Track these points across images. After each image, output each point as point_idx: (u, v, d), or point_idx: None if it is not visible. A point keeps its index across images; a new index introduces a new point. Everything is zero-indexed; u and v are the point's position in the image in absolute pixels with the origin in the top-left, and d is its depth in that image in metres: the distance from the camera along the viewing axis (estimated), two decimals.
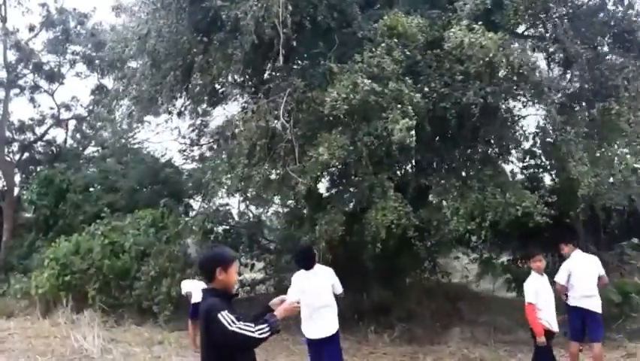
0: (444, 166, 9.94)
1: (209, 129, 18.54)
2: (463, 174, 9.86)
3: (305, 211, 11.03)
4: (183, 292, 11.43)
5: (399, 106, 8.06)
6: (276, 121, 9.27)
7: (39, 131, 22.87)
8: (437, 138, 9.84)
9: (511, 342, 10.55)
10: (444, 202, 9.43)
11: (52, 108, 22.97)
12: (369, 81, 8.23)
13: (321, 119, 9.19)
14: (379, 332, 11.44)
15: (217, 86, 11.40)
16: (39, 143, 23.10)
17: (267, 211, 14.99)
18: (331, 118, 8.97)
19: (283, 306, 3.81)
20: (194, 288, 11.39)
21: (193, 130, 18.76)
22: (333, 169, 8.93)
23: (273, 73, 9.90)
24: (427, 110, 8.72)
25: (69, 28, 21.75)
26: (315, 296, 6.65)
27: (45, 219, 18.83)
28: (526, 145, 10.96)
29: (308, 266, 6.82)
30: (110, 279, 13.96)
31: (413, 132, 8.21)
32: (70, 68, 22.24)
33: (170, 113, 14.05)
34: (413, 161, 10.51)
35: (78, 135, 23.00)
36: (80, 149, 22.56)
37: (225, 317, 3.36)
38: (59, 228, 17.89)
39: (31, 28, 21.67)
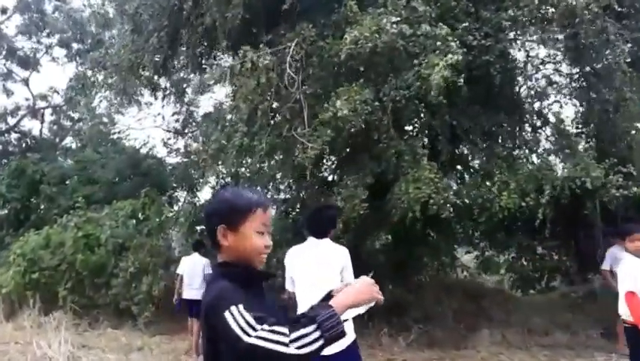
0: (484, 134, 8.11)
1: (195, 119, 17.10)
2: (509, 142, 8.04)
3: (303, 193, 9.15)
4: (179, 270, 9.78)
5: (438, 44, 6.24)
6: (279, 78, 7.41)
7: (12, 121, 20.85)
8: (474, 99, 7.98)
9: (549, 346, 9.06)
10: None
11: (27, 99, 21.03)
12: (398, 19, 6.45)
13: (335, 74, 7.39)
14: (393, 334, 9.77)
15: (206, 48, 9.52)
16: (13, 134, 21.05)
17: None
18: (348, 71, 7.17)
19: (354, 289, 1.99)
20: (188, 268, 9.69)
21: (177, 120, 17.20)
22: (343, 134, 6.99)
23: (279, 21, 8.03)
24: (466, 62, 6.93)
25: (45, 10, 19.84)
26: (322, 282, 4.04)
27: (16, 213, 16.84)
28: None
29: (319, 233, 4.50)
30: (84, 276, 12.06)
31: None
32: (46, 53, 20.29)
33: (152, 89, 12.22)
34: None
35: (55, 126, 20.99)
36: (57, 140, 20.57)
37: (238, 316, 1.79)
38: (31, 223, 15.97)
39: (4, 11, 19.74)
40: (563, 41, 7.70)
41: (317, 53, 7.43)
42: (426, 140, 8.05)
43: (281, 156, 7.52)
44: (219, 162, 8.03)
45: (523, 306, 10.71)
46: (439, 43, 6.41)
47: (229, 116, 8.10)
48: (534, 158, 8.24)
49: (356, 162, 7.43)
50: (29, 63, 20.14)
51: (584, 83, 8.68)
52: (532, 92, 9.12)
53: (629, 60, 7.39)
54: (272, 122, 7.53)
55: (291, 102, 7.36)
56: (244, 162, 8.37)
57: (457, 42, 6.56)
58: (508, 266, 12.58)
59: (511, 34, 7.92)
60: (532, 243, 11.27)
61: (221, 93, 16.52)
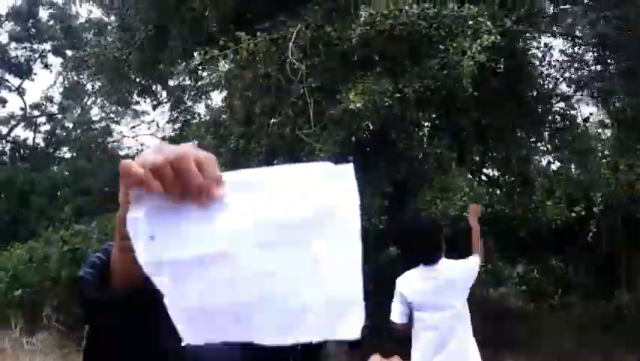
0: (518, 131, 6.82)
1: (191, 127, 16.02)
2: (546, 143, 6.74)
3: None
4: None
5: (470, 23, 4.99)
6: (279, 70, 6.14)
7: (5, 130, 19.59)
8: (504, 93, 6.66)
9: None
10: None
11: (22, 109, 19.78)
12: None
13: (345, 64, 6.10)
14: (407, 357, 8.49)
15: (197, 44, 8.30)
16: (5, 143, 19.78)
17: None
18: (361, 60, 5.89)
19: None
20: None
21: (173, 129, 16.10)
22: (365, 133, 5.68)
23: (278, 6, 6.71)
24: (499, 49, 5.64)
25: (39, 18, 18.67)
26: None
27: (5, 225, 15.63)
28: None
29: (430, 259, 3.87)
30: (71, 294, 10.83)
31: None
32: (40, 61, 19.09)
33: (143, 93, 11.02)
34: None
35: (48, 136, 19.74)
36: (51, 149, 19.33)
37: None
38: (21, 236, 14.77)
39: None
40: (611, 20, 6.45)
41: (323, 40, 6.14)
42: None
43: (282, 159, 6.27)
44: None
45: (544, 326, 9.42)
46: (470, 22, 5.13)
47: (223, 117, 6.86)
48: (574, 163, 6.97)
49: (370, 167, 6.10)
50: (22, 71, 18.95)
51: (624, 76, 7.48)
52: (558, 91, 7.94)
53: None
54: (272, 120, 6.21)
55: (294, 97, 6.08)
56: (241, 166, 7.11)
57: (491, 22, 5.30)
58: (520, 279, 11.59)
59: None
60: (545, 255, 10.23)
61: (217, 99, 15.51)
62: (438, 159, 5.77)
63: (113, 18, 9.88)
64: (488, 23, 5.10)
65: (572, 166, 7.23)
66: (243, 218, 0.73)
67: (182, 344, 0.73)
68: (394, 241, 6.14)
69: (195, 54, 8.34)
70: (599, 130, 8.81)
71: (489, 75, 5.58)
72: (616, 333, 9.03)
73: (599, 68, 8.11)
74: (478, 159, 6.57)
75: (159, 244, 0.72)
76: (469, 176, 5.71)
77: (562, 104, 7.90)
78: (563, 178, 6.08)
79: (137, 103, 15.14)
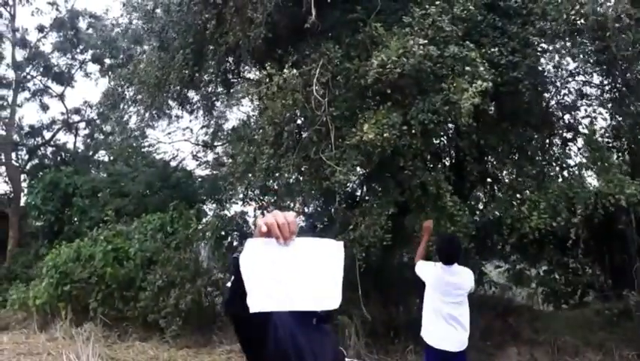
0: (513, 151, 7.68)
1: (223, 132, 16.89)
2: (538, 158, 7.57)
3: (332, 209, 8.82)
4: None
5: (467, 69, 5.87)
6: (305, 100, 7.08)
7: (48, 135, 20.88)
8: (503, 116, 7.53)
9: None
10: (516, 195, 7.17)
11: (63, 113, 21.03)
12: (425, 41, 6.08)
13: (362, 96, 7.03)
14: (419, 351, 9.31)
15: (232, 64, 9.25)
16: (48, 148, 21.08)
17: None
18: (375, 93, 6.81)
19: None
20: None
21: (207, 133, 17.03)
22: (374, 158, 6.65)
23: (302, 40, 7.69)
24: (494, 81, 6.52)
25: (79, 28, 19.85)
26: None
27: (50, 225, 16.82)
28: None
29: (449, 260, 5.77)
30: (113, 289, 11.85)
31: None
32: (80, 69, 20.29)
33: (181, 104, 12.03)
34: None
35: (88, 140, 20.97)
36: (90, 153, 20.54)
37: None
38: (65, 234, 15.92)
39: (41, 29, 19.71)
40: (594, 53, 7.20)
41: (343, 74, 7.09)
42: (448, 162, 7.62)
43: (307, 177, 7.24)
44: (246, 182, 7.76)
45: (553, 323, 10.13)
46: (467, 68, 6.02)
47: (255, 137, 7.81)
48: (565, 174, 7.78)
49: (381, 185, 7.06)
50: (64, 79, 20.15)
51: (616, 95, 8.16)
52: (562, 105, 8.66)
53: None
54: (298, 143, 7.19)
55: (318, 124, 7.03)
56: (271, 180, 8.07)
57: (486, 64, 6.16)
58: (540, 280, 12.10)
59: (540, 47, 7.48)
60: (564, 257, 10.78)
61: (247, 107, 16.31)
62: (436, 187, 6.71)
63: (152, 39, 10.83)
64: (481, 69, 5.96)
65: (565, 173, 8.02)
66: (294, 252, 1.85)
67: (250, 310, 1.76)
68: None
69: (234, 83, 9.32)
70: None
71: (488, 102, 6.40)
72: (621, 332, 9.64)
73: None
74: (475, 175, 7.42)
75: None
76: (460, 205, 6.64)
77: (557, 121, 8.60)
78: (552, 191, 6.85)
79: (171, 108, 16.10)
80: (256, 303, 1.80)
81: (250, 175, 7.99)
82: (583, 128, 8.65)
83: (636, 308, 9.42)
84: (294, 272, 1.85)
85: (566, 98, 8.46)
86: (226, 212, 14.25)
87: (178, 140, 20.77)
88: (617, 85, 8.15)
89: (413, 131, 6.38)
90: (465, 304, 5.99)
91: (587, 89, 8.51)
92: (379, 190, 7.10)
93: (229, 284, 1.87)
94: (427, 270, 6.00)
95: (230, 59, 9.05)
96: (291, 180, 8.80)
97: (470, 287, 6.07)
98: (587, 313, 11.13)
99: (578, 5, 6.20)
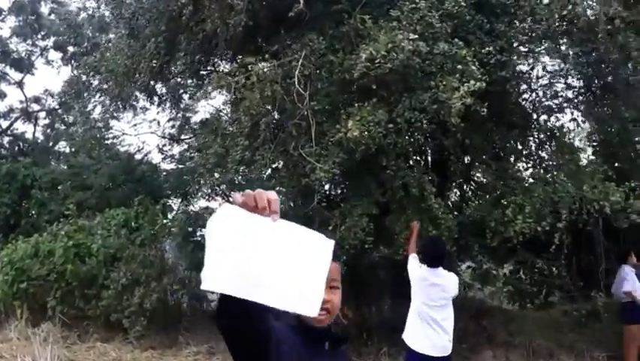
0: (497, 152, 7.53)
1: (191, 124, 16.40)
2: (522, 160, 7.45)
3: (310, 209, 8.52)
4: None
5: (458, 67, 5.66)
6: (284, 92, 6.75)
7: (5, 124, 19.93)
8: (489, 116, 7.36)
9: None
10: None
11: (21, 102, 20.12)
12: (416, 36, 5.84)
13: (345, 90, 6.76)
14: (393, 354, 9.16)
15: (205, 54, 8.82)
16: (5, 137, 20.12)
17: None
18: (360, 89, 6.54)
19: None
20: None
21: (173, 126, 16.50)
22: (356, 155, 6.38)
23: (284, 30, 7.35)
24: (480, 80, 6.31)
25: (41, 13, 18.99)
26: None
27: (6, 218, 15.98)
28: None
29: (434, 263, 5.69)
30: (74, 287, 11.24)
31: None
32: (41, 56, 19.43)
33: (149, 95, 11.53)
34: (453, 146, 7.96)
35: (48, 130, 20.09)
36: (50, 144, 19.68)
37: None
38: (22, 229, 15.13)
39: None
40: (581, 56, 7.12)
41: (326, 67, 6.79)
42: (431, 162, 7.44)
43: (284, 173, 6.92)
44: (216, 174, 7.38)
45: (526, 325, 10.11)
46: (459, 66, 5.82)
47: (230, 128, 7.44)
48: (548, 178, 7.71)
49: (362, 186, 6.80)
50: (23, 65, 19.25)
51: (592, 98, 8.12)
52: (544, 107, 8.58)
53: None
54: (276, 137, 6.85)
55: (297, 118, 6.72)
56: (245, 173, 7.71)
57: (476, 63, 5.97)
58: (506, 280, 12.16)
59: (526, 47, 7.37)
60: (531, 257, 10.81)
61: (219, 100, 15.79)
62: (419, 189, 6.51)
63: (121, 22, 10.32)
64: (474, 68, 5.77)
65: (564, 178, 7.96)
66: (274, 234, 1.50)
67: (202, 287, 1.45)
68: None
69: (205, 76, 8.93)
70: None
71: (481, 103, 6.23)
72: (591, 333, 9.71)
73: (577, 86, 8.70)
74: (459, 176, 7.28)
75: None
76: (444, 208, 6.49)
77: (544, 118, 8.54)
78: (537, 195, 6.76)
79: (138, 100, 15.52)
80: (211, 280, 1.43)
81: (221, 168, 7.59)
82: (557, 131, 8.61)
83: (604, 310, 9.52)
84: (269, 257, 1.47)
85: (549, 100, 8.36)
86: (191, 207, 13.90)
87: (144, 132, 20.04)
88: (602, 89, 8.08)
89: (400, 129, 6.14)
90: (449, 308, 5.88)
91: (569, 93, 8.45)
92: (360, 190, 6.82)
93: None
94: (414, 267, 5.88)
95: (205, 49, 8.62)
96: (264, 176, 8.49)
97: (455, 292, 5.96)
98: (555, 314, 11.22)
99: (571, 5, 6.08)
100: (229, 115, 8.58)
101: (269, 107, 6.73)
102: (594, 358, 9.00)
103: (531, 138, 8.25)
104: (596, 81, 7.53)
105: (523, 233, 6.57)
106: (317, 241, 1.57)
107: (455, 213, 7.69)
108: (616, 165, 7.93)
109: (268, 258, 1.49)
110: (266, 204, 1.51)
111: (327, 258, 1.57)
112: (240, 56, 7.49)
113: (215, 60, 9.85)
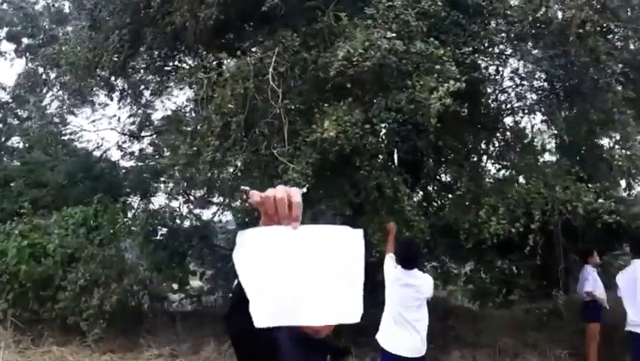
0: (470, 154, 7.53)
1: (152, 123, 15.98)
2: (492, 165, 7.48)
3: None
4: None
5: (437, 67, 5.59)
6: (256, 90, 6.53)
7: None
8: (461, 118, 7.35)
9: None
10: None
11: None
12: (394, 35, 5.74)
13: (319, 89, 6.61)
14: (361, 355, 9.07)
15: (171, 49, 8.50)
16: None
17: (223, 211, 12.23)
18: (334, 87, 6.40)
19: None
20: None
21: (134, 122, 16.02)
22: (331, 156, 6.25)
23: (256, 26, 7.11)
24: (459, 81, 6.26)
25: None
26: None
27: None
28: None
29: (408, 264, 5.65)
30: (28, 289, 10.79)
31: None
32: None
33: (111, 89, 11.13)
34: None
35: (0, 125, 19.15)
36: (2, 139, 18.77)
37: None
38: None
39: None
40: (553, 58, 7.18)
41: (299, 65, 6.62)
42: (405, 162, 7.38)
43: (256, 174, 6.72)
44: (188, 175, 7.13)
45: (491, 324, 10.21)
46: (437, 66, 5.76)
47: (198, 127, 7.17)
48: (521, 179, 7.78)
49: (335, 187, 6.68)
50: None
51: (571, 103, 8.24)
52: (509, 109, 8.66)
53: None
54: (247, 137, 6.64)
55: (270, 117, 6.53)
56: (216, 176, 7.48)
57: (453, 63, 5.92)
58: (467, 278, 12.29)
59: (497, 49, 7.40)
60: (492, 256, 10.93)
61: (182, 97, 15.37)
62: (393, 190, 6.43)
63: (82, 13, 9.89)
64: (453, 69, 5.72)
65: (520, 178, 8.04)
66: (301, 246, 1.37)
67: (256, 325, 1.30)
68: None
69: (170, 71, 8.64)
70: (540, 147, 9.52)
71: (460, 104, 6.21)
72: (552, 331, 9.87)
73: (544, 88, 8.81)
74: (432, 177, 7.26)
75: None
76: (417, 210, 6.46)
77: (510, 120, 8.64)
78: (510, 197, 6.80)
79: (97, 95, 14.99)
80: (263, 317, 1.34)
81: (190, 173, 7.35)
82: (521, 133, 8.70)
83: (564, 308, 9.69)
84: (304, 274, 1.36)
85: (518, 101, 8.44)
86: (151, 206, 13.54)
87: (103, 128, 19.37)
88: (564, 91, 8.19)
89: (375, 129, 6.04)
90: (423, 309, 5.88)
91: (536, 95, 8.52)
92: (333, 190, 6.70)
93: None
94: (389, 267, 5.86)
95: (171, 44, 8.30)
96: (232, 178, 8.25)
97: (429, 293, 5.96)
98: (517, 312, 11.38)
99: (544, 8, 6.10)
100: (194, 113, 8.26)
101: (240, 106, 6.49)
102: (557, 356, 9.13)
103: (501, 140, 8.28)
104: (567, 84, 7.62)
105: (497, 234, 6.58)
106: (345, 236, 1.46)
107: (427, 214, 7.64)
108: (581, 167, 8.04)
109: (304, 275, 1.38)
110: (287, 211, 1.39)
111: (360, 250, 1.46)
112: (207, 52, 7.24)
113: (181, 56, 9.51)
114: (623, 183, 7.98)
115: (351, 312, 1.40)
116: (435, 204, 8.25)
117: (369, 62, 5.69)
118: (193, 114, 9.12)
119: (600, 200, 6.65)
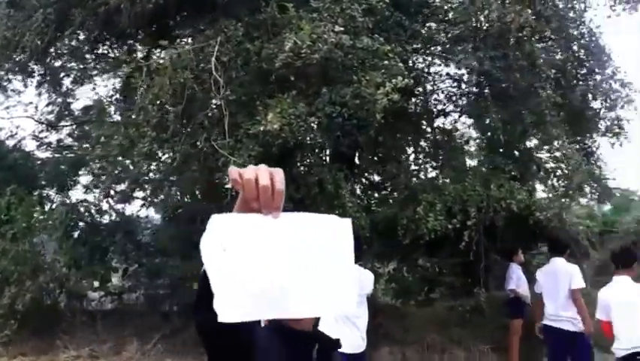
0: (411, 150, 7.64)
1: (73, 112, 15.11)
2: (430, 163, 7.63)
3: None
4: None
5: (384, 63, 5.60)
6: (195, 80, 6.27)
7: None
8: (399, 115, 7.43)
9: None
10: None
11: None
12: (342, 29, 5.69)
13: (262, 81, 6.43)
14: None
15: (100, 33, 7.96)
16: None
17: (149, 206, 11.74)
18: (278, 80, 6.25)
19: None
20: None
21: (52, 111, 15.08)
22: (273, 150, 6.10)
23: (197, 14, 6.81)
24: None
25: None
26: None
27: None
28: None
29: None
30: None
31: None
32: None
33: (29, 75, 10.37)
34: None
35: None
36: None
37: None
38: None
39: None
40: (493, 60, 7.41)
41: (242, 56, 6.42)
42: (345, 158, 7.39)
43: (195, 167, 6.43)
44: (119, 167, 6.72)
45: (418, 321, 10.42)
46: (384, 62, 5.76)
47: (133, 116, 6.79)
48: (447, 180, 7.99)
49: None
50: None
51: (505, 104, 8.54)
52: (441, 110, 8.87)
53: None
54: (185, 129, 6.36)
55: (209, 108, 6.28)
56: (145, 169, 7.11)
57: (399, 60, 5.96)
58: (390, 277, 12.50)
59: (436, 49, 7.56)
60: (417, 255, 11.16)
61: (108, 86, 14.64)
62: (334, 186, 6.40)
63: None
64: (400, 65, 5.76)
65: (448, 180, 8.26)
66: (281, 232, 1.23)
67: (220, 320, 1.16)
68: None
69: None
70: (473, 148, 9.80)
71: (407, 100, 6.25)
72: (475, 327, 10.20)
73: (475, 90, 9.10)
74: (372, 173, 7.31)
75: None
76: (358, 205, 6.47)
77: (442, 120, 8.85)
78: (445, 193, 6.97)
79: (9, 81, 14.01)
80: (229, 310, 1.17)
81: (122, 165, 6.96)
82: (451, 133, 8.95)
83: (486, 305, 10.03)
84: (285, 262, 1.22)
85: (452, 102, 8.65)
86: (69, 200, 12.83)
87: (18, 116, 18.06)
88: (499, 93, 8.44)
89: (320, 123, 5.96)
90: (363, 306, 5.85)
91: (471, 96, 8.76)
92: None
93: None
94: None
95: (102, 27, 7.79)
96: (159, 171, 7.94)
97: (370, 289, 5.95)
98: (441, 310, 11.70)
99: (487, 11, 6.28)
100: (124, 103, 7.84)
101: (178, 96, 6.20)
102: (481, 351, 9.44)
103: (432, 140, 8.47)
104: (503, 85, 7.89)
105: (435, 230, 6.71)
106: (331, 225, 1.33)
107: (367, 211, 7.68)
108: (514, 166, 8.36)
109: (285, 264, 1.23)
110: (270, 198, 1.22)
111: (349, 240, 1.33)
112: (141, 39, 6.87)
113: (112, 41, 8.97)
114: (549, 183, 8.35)
115: (345, 302, 1.29)
116: (373, 201, 8.29)
117: (317, 55, 5.60)
118: (122, 104, 8.64)
119: (533, 198, 6.95)
